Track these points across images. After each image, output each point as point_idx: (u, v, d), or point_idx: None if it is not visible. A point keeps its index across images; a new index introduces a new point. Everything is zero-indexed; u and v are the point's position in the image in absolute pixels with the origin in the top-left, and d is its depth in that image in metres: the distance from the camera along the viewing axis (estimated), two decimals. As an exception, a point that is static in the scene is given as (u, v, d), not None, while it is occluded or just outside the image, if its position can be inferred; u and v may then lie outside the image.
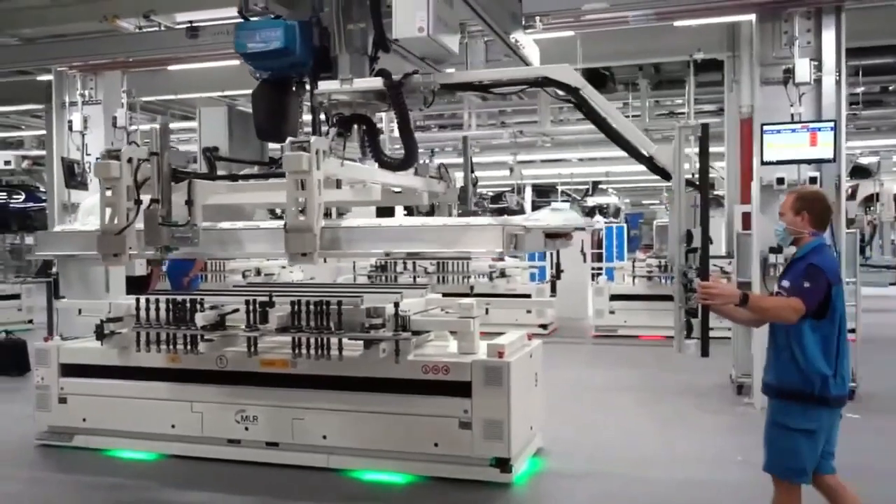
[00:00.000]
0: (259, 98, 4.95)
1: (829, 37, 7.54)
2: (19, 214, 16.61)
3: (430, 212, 6.07)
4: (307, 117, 5.37)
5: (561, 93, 4.93)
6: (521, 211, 20.71)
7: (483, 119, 17.20)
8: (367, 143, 5.01)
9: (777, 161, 7.48)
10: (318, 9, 4.81)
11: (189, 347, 5.88)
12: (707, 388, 8.59)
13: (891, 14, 9.15)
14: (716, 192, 19.16)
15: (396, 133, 5.24)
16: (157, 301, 5.97)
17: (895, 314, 15.43)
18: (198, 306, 5.86)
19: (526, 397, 5.87)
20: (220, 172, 4.93)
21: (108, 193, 4.54)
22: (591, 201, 27.19)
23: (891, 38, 10.18)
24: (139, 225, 4.51)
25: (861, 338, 8.30)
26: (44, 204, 15.56)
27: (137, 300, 6.07)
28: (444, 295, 7.49)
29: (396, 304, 5.55)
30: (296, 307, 5.53)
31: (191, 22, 8.49)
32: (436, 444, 5.56)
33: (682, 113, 15.19)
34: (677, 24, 8.82)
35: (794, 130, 7.41)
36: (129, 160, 4.51)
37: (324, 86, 4.73)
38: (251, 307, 5.63)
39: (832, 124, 7.34)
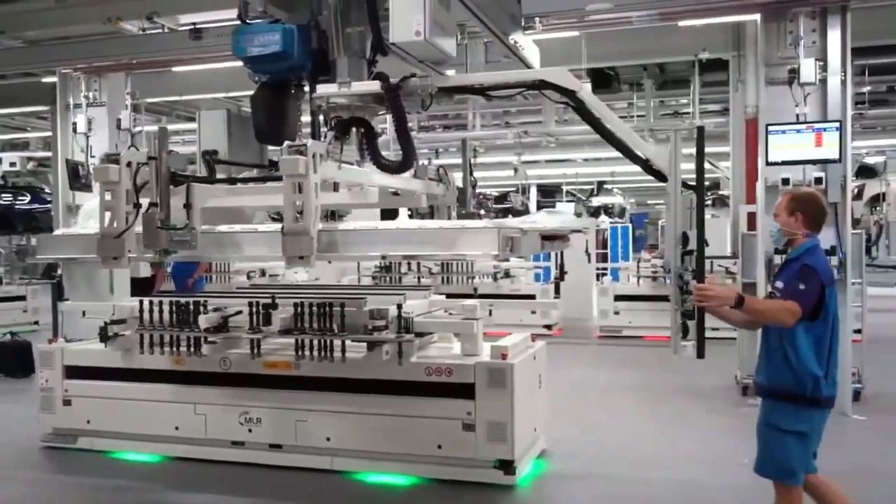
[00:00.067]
0: (258, 101, 4.96)
1: (834, 36, 7.50)
2: (24, 216, 16.65)
3: (430, 213, 6.06)
4: (306, 118, 5.38)
5: (558, 96, 4.92)
6: (526, 211, 20.69)
7: (487, 119, 17.17)
8: (366, 146, 5.02)
9: (782, 161, 7.45)
10: (317, 12, 4.82)
11: (192, 349, 5.89)
12: (712, 389, 8.56)
13: (897, 13, 9.11)
14: (721, 192, 19.15)
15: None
16: (161, 303, 5.97)
17: (902, 314, 15.36)
18: (201, 308, 5.86)
19: (530, 399, 5.86)
20: (219, 175, 4.94)
21: (108, 197, 4.55)
22: (596, 201, 27.14)
23: (897, 38, 10.13)
24: (138, 228, 4.52)
25: (867, 338, 8.26)
26: (49, 205, 15.59)
27: (141, 302, 6.07)
28: (448, 296, 7.49)
29: (399, 306, 5.54)
30: (299, 309, 5.53)
31: (194, 24, 8.50)
32: (439, 446, 5.55)
33: (687, 113, 15.17)
34: (682, 24, 8.79)
35: (799, 131, 7.39)
36: (129, 164, 4.52)
37: (322, 89, 4.74)
38: (254, 309, 5.62)
39: (837, 125, 7.31)
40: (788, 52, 7.66)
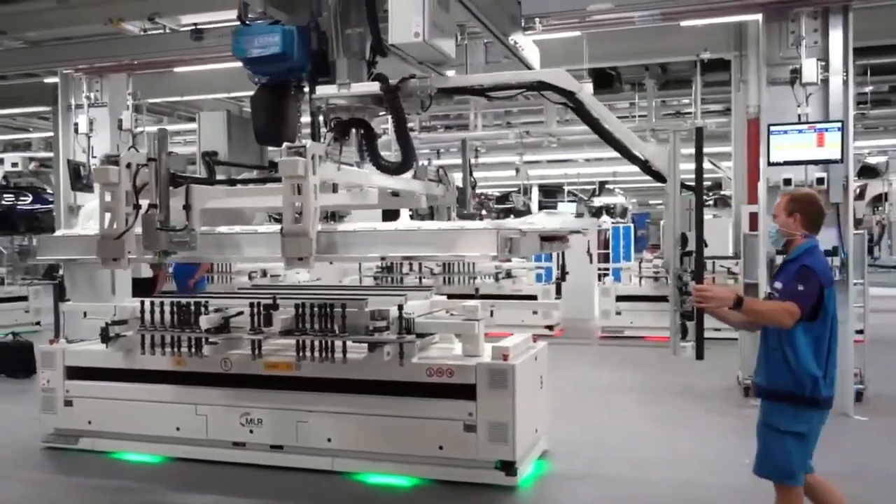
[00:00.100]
0: (258, 102, 4.96)
1: (836, 36, 7.49)
2: (26, 216, 16.65)
3: (430, 214, 6.06)
4: (306, 119, 5.38)
5: (557, 96, 4.93)
6: (528, 211, 20.68)
7: (489, 119, 17.15)
8: (365, 147, 5.02)
9: (784, 162, 7.44)
10: (317, 13, 4.82)
11: (193, 350, 5.89)
12: (713, 389, 8.55)
13: (899, 13, 9.09)
14: (722, 192, 19.13)
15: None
16: (162, 304, 5.97)
17: (904, 314, 15.34)
18: (202, 309, 5.86)
19: (531, 400, 5.85)
20: (219, 177, 4.94)
21: (108, 198, 4.55)
22: (598, 201, 27.14)
23: (900, 38, 10.11)
24: (138, 229, 4.52)
25: (869, 338, 8.25)
26: (51, 206, 15.58)
27: (142, 303, 6.07)
28: (450, 296, 7.48)
29: (401, 307, 5.54)
30: (300, 310, 5.53)
31: (195, 24, 8.50)
32: (440, 447, 5.55)
33: (689, 113, 15.15)
34: (683, 24, 8.78)
35: (800, 131, 7.38)
36: (128, 165, 4.52)
37: (321, 90, 4.74)
38: (255, 310, 5.62)
39: (839, 125, 7.29)
40: (790, 52, 7.64)
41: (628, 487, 5.67)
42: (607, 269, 16.58)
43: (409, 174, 5.30)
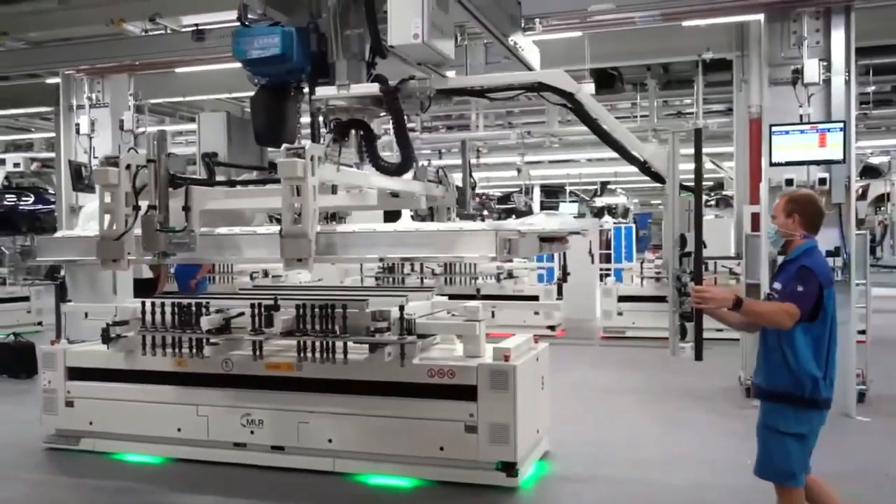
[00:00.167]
0: (257, 103, 4.97)
1: (838, 37, 7.48)
2: (28, 216, 16.66)
3: (430, 215, 6.06)
4: (306, 120, 5.38)
5: (557, 97, 4.93)
6: (530, 212, 20.67)
7: (490, 120, 17.14)
8: (365, 148, 5.02)
9: (786, 162, 7.43)
10: (316, 15, 4.83)
11: (194, 351, 5.89)
12: (715, 390, 8.54)
13: (901, 13, 9.07)
14: (724, 193, 19.11)
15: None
16: (163, 305, 5.97)
17: (906, 315, 15.31)
18: (203, 310, 5.86)
19: (532, 401, 5.85)
20: (218, 178, 4.94)
21: (107, 199, 4.55)
22: (600, 202, 27.14)
23: (901, 38, 10.08)
24: (138, 230, 4.52)
25: (871, 339, 8.23)
26: (53, 206, 15.59)
27: (143, 304, 6.07)
28: (451, 297, 7.48)
29: (402, 308, 5.53)
30: (301, 311, 5.52)
31: (196, 25, 8.50)
32: (441, 448, 5.54)
33: (691, 113, 15.12)
34: (685, 24, 8.77)
35: (802, 131, 7.37)
36: (128, 166, 4.52)
37: (321, 91, 4.75)
38: (256, 311, 5.62)
39: (841, 125, 7.28)
40: (792, 52, 7.63)
41: (630, 488, 5.66)
42: (609, 270, 16.56)
43: (408, 175, 5.30)
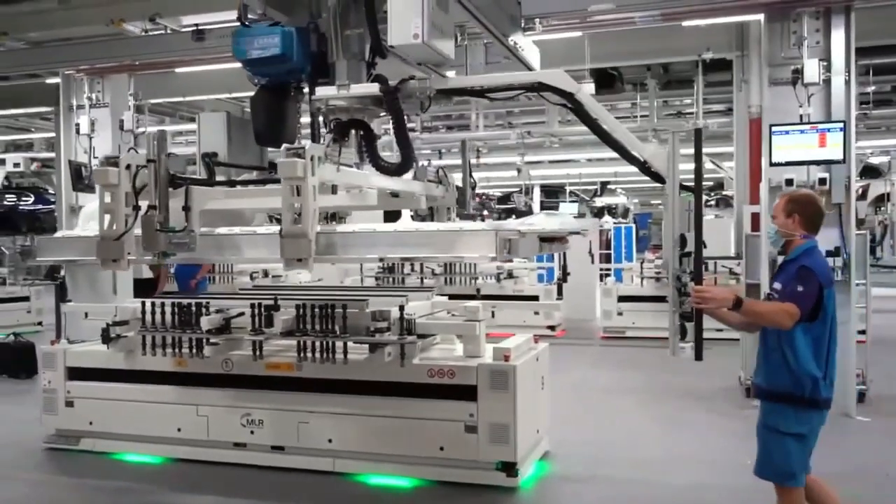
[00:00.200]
0: (257, 104, 4.97)
1: (838, 36, 7.47)
2: (28, 216, 16.66)
3: (430, 215, 6.06)
4: (306, 120, 5.38)
5: (557, 98, 4.94)
6: (530, 212, 20.67)
7: (490, 120, 17.13)
8: (365, 148, 5.02)
9: (786, 162, 7.43)
10: (316, 15, 4.83)
11: (194, 351, 5.88)
12: (715, 390, 8.54)
13: (902, 13, 9.07)
14: (724, 193, 19.10)
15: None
16: (163, 305, 5.97)
17: (906, 315, 15.31)
18: (203, 310, 5.86)
19: (532, 401, 5.85)
20: (218, 178, 4.94)
21: (107, 199, 4.55)
22: (600, 202, 27.13)
23: (902, 38, 10.08)
24: (138, 230, 4.52)
25: (871, 339, 8.23)
26: (53, 206, 15.59)
27: (143, 304, 6.07)
28: (451, 297, 7.47)
29: (402, 308, 5.53)
30: (301, 311, 5.52)
31: (196, 25, 8.50)
32: (441, 448, 5.54)
33: (691, 113, 15.12)
34: (685, 24, 8.77)
35: (802, 131, 7.36)
36: (128, 167, 4.52)
37: (321, 91, 4.75)
38: (256, 311, 5.61)
39: (841, 125, 7.28)
40: (792, 52, 7.63)
41: (630, 488, 5.65)
42: (609, 270, 16.56)
43: (409, 175, 5.30)
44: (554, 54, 8.29)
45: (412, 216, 6.25)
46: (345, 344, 5.43)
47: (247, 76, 4.92)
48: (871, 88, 13.20)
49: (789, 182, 7.46)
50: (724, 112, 15.18)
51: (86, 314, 7.01)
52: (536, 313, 12.90)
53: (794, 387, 3.72)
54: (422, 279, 12.74)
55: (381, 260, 4.81)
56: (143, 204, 4.52)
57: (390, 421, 5.66)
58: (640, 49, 10.42)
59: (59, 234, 5.83)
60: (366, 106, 4.90)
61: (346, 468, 5.80)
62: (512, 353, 5.54)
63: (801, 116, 7.51)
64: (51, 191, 17.02)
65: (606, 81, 11.75)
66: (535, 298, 13.18)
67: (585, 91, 4.93)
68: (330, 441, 5.80)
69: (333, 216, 5.42)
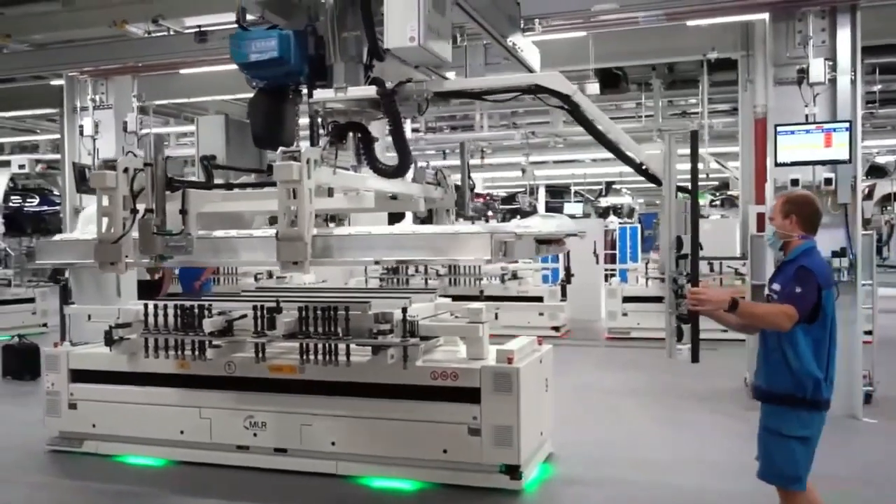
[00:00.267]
0: (256, 106, 4.97)
1: (843, 36, 7.43)
2: (33, 218, 16.73)
3: (429, 217, 6.05)
4: (306, 122, 5.38)
5: (555, 100, 4.92)
6: (534, 212, 20.63)
7: (495, 120, 17.15)
8: (362, 151, 5.01)
9: (791, 162, 7.39)
10: (314, 18, 4.83)
11: (197, 353, 5.86)
12: (721, 391, 8.50)
13: (908, 11, 9.02)
14: (730, 193, 19.04)
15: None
16: (166, 307, 5.96)
17: (913, 315, 15.23)
18: (206, 312, 5.85)
19: (536, 403, 5.82)
20: (218, 181, 4.94)
21: (105, 203, 4.54)
22: (605, 202, 27.09)
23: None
24: (136, 233, 4.52)
25: (878, 340, 8.18)
26: (57, 207, 15.65)
27: (146, 306, 6.06)
28: (455, 298, 7.44)
29: (405, 310, 5.51)
30: (303, 313, 5.50)
31: (199, 26, 8.51)
32: (445, 451, 5.51)
33: (696, 113, 15.10)
34: (690, 23, 8.74)
35: (808, 131, 7.32)
36: (126, 170, 4.51)
37: (318, 94, 4.74)
38: (259, 313, 5.60)
39: (847, 125, 7.24)
40: (797, 51, 7.59)
41: (635, 491, 5.62)
42: (614, 270, 16.51)
43: (407, 177, 5.29)
44: (558, 54, 8.28)
45: (414, 219, 6.24)
46: (347, 346, 5.41)
47: (245, 79, 4.91)
48: (877, 87, 13.17)
49: (795, 182, 7.42)
50: (730, 112, 15.16)
51: (89, 316, 7.00)
52: (541, 314, 12.87)
53: (796, 388, 3.69)
54: (426, 280, 12.72)
55: (377, 263, 4.80)
56: (141, 207, 4.51)
57: (393, 423, 5.64)
58: (644, 49, 10.41)
59: (57, 237, 5.83)
60: (363, 108, 4.89)
61: (348, 471, 5.77)
62: (515, 356, 5.52)
63: (806, 116, 7.48)
64: (56, 192, 17.09)
65: (611, 81, 11.75)
66: (540, 299, 13.16)
67: (581, 93, 4.92)
68: (333, 444, 5.78)
69: (333, 218, 5.41)
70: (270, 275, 12.88)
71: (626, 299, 12.86)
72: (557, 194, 26.18)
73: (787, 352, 3.69)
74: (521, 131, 16.53)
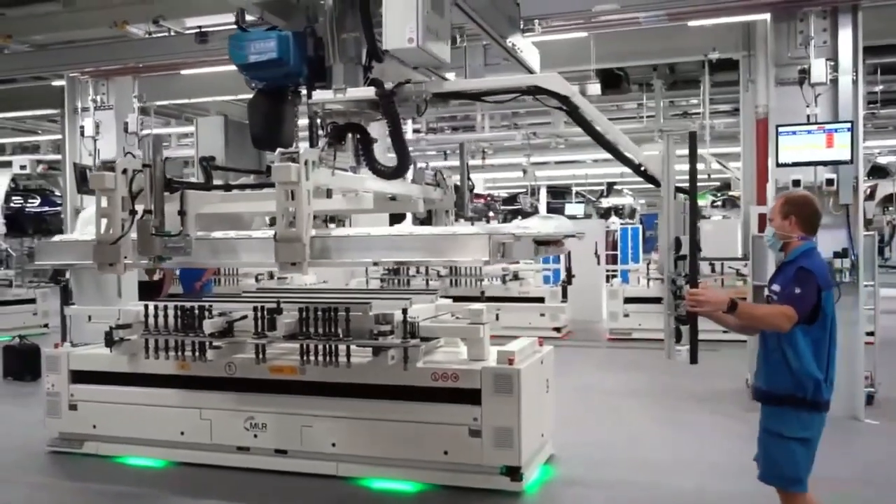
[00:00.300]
0: (255, 107, 4.96)
1: (845, 36, 7.42)
2: (35, 218, 16.73)
3: (428, 218, 6.04)
4: (304, 122, 5.37)
5: (553, 101, 4.92)
6: (536, 212, 20.62)
7: (496, 121, 17.14)
8: (361, 152, 5.00)
9: (793, 163, 7.38)
10: (313, 19, 4.83)
11: (197, 354, 5.85)
12: (723, 392, 8.49)
13: (910, 11, 9.00)
14: (731, 193, 19.02)
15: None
16: (166, 308, 5.95)
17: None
18: (206, 313, 5.84)
19: (537, 404, 5.80)
20: (217, 181, 4.93)
21: (104, 203, 4.54)
22: (607, 202, 27.06)
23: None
24: (134, 235, 4.52)
25: (880, 341, 8.16)
26: (59, 208, 15.64)
27: (146, 307, 6.05)
28: (456, 299, 7.44)
29: (405, 311, 5.50)
30: (304, 314, 5.49)
31: (199, 27, 8.50)
32: (445, 452, 5.50)
33: (698, 113, 15.09)
34: (691, 24, 8.73)
35: (809, 132, 7.31)
36: (124, 171, 4.51)
37: (317, 95, 4.74)
38: (259, 314, 5.59)
39: (849, 125, 7.22)
40: (799, 51, 7.58)
41: (636, 492, 5.61)
42: (615, 271, 16.50)
43: (406, 178, 5.29)
44: (559, 55, 8.26)
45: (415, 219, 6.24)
46: (348, 347, 5.39)
47: (244, 80, 4.91)
48: (878, 88, 13.15)
49: (796, 183, 7.41)
50: (731, 112, 15.14)
51: (89, 317, 7.00)
52: (542, 315, 12.85)
53: (796, 389, 3.68)
54: (427, 281, 12.71)
55: (375, 264, 4.80)
56: (140, 208, 4.51)
57: (394, 425, 5.63)
58: (645, 49, 10.40)
59: (56, 238, 5.83)
60: (362, 109, 4.89)
61: (349, 472, 5.76)
62: (516, 357, 5.51)
63: (808, 116, 7.46)
64: (57, 193, 17.09)
65: (613, 82, 11.74)
66: (541, 300, 13.14)
67: (580, 93, 4.92)
68: (333, 445, 5.77)
69: (333, 219, 5.40)
70: (271, 275, 12.88)
71: (628, 300, 12.84)
72: (559, 195, 26.17)
73: (788, 352, 3.68)
74: (522, 132, 16.52)
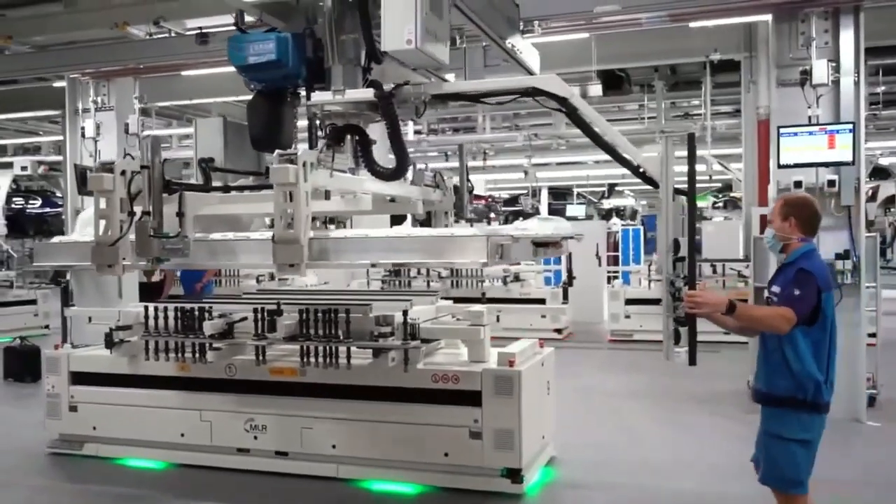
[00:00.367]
0: (254, 109, 4.96)
1: (847, 37, 7.40)
2: (36, 219, 16.74)
3: (427, 219, 6.03)
4: (303, 124, 5.37)
5: (552, 102, 4.92)
6: (537, 214, 20.60)
7: (497, 122, 17.12)
8: (360, 154, 4.99)
9: (794, 164, 7.36)
10: (312, 21, 4.82)
11: (198, 356, 5.84)
12: (724, 394, 8.47)
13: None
14: (733, 195, 19.00)
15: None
16: (166, 309, 5.94)
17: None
18: (206, 315, 5.83)
19: (538, 406, 5.79)
20: (216, 183, 4.93)
21: (103, 205, 4.54)
22: (608, 203, 27.04)
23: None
24: (133, 236, 4.51)
25: (881, 342, 8.15)
26: (60, 209, 15.65)
27: (146, 308, 6.05)
28: (457, 300, 7.42)
29: (405, 312, 5.48)
30: (304, 315, 5.48)
31: (200, 28, 8.50)
32: (446, 454, 5.49)
33: (699, 114, 15.07)
34: (693, 25, 8.72)
35: (811, 133, 7.30)
36: (123, 172, 4.51)
37: (316, 97, 4.74)
38: (259, 315, 5.58)
39: (851, 126, 7.21)
40: (800, 52, 7.56)
41: (637, 495, 5.60)
42: (616, 272, 16.48)
43: (405, 179, 5.28)
44: (561, 56, 8.25)
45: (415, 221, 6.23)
46: (348, 349, 5.38)
47: (243, 82, 4.91)
48: (880, 89, 13.13)
49: (798, 184, 7.39)
50: (732, 113, 15.12)
51: (90, 318, 6.99)
52: (543, 317, 12.83)
53: (797, 390, 3.66)
54: (428, 282, 12.69)
55: (373, 265, 4.79)
56: (139, 209, 4.50)
57: (394, 427, 5.62)
58: (647, 50, 10.38)
59: (55, 239, 5.82)
60: (361, 111, 4.88)
61: (349, 474, 5.75)
62: (517, 358, 5.49)
63: (809, 118, 7.45)
64: (58, 194, 17.09)
65: (614, 83, 11.73)
66: (542, 302, 13.12)
67: (579, 95, 4.91)
68: (333, 447, 5.76)
69: (332, 220, 5.40)
70: (272, 277, 12.85)
71: (629, 301, 12.82)
72: (560, 196, 26.15)
73: (788, 354, 3.67)
74: (523, 133, 16.49)
